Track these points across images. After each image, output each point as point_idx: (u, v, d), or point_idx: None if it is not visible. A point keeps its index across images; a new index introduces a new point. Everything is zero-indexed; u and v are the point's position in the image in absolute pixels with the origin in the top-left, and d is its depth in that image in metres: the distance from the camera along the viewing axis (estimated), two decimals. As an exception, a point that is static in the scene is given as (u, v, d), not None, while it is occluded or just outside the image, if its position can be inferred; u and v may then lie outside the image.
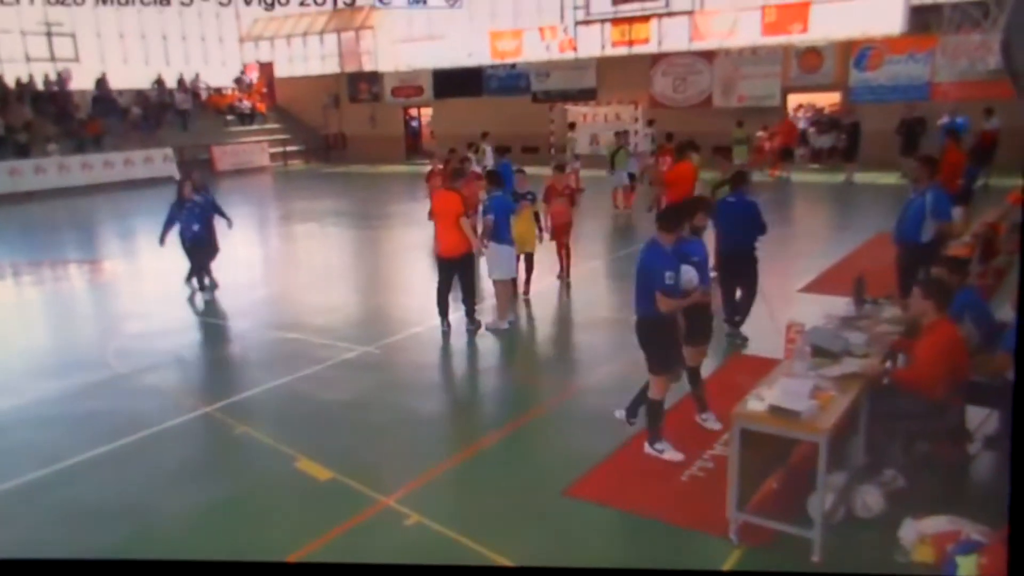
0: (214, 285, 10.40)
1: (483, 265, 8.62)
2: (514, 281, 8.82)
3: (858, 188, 17.79)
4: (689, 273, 5.35)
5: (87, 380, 7.38)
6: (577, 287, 10.03)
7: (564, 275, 10.11)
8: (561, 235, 9.94)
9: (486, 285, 8.99)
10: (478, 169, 16.57)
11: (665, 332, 5.26)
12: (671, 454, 5.35)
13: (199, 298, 10.22)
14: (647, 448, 5.43)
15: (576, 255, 10.46)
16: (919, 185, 7.04)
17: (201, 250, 10.07)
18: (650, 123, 21.10)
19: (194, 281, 10.33)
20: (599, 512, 4.77)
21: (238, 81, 32.06)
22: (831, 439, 4.06)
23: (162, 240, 10.19)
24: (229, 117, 30.39)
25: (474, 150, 16.87)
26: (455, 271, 8.15)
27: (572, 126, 21.20)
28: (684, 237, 5.40)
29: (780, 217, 13.02)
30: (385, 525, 4.71)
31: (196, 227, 9.85)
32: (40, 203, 21.45)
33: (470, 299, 8.27)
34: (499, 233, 8.26)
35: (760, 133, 20.22)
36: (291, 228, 17.35)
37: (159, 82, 29.28)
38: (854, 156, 18.66)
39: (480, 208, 8.99)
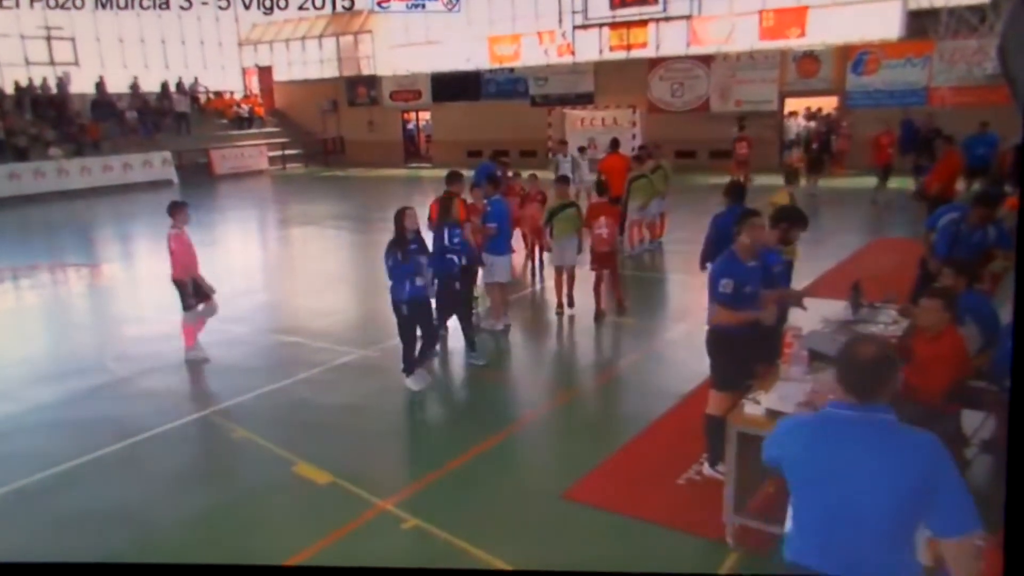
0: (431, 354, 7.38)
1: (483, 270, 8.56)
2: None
3: (856, 194, 17.75)
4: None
5: (85, 384, 7.39)
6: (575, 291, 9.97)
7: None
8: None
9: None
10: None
11: (729, 346, 4.81)
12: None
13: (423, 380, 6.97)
14: (707, 470, 5.08)
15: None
16: (977, 222, 6.61)
17: (422, 316, 6.95)
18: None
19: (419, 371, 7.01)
20: (596, 516, 4.78)
21: (254, 88, 32.25)
22: (828, 443, 4.06)
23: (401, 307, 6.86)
24: (224, 121, 30.35)
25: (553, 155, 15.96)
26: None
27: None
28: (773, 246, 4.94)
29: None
30: (383, 529, 4.73)
31: (419, 280, 6.82)
32: (39, 207, 21.43)
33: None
34: (499, 244, 8.20)
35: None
36: (289, 232, 17.34)
37: (164, 86, 29.30)
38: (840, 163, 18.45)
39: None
